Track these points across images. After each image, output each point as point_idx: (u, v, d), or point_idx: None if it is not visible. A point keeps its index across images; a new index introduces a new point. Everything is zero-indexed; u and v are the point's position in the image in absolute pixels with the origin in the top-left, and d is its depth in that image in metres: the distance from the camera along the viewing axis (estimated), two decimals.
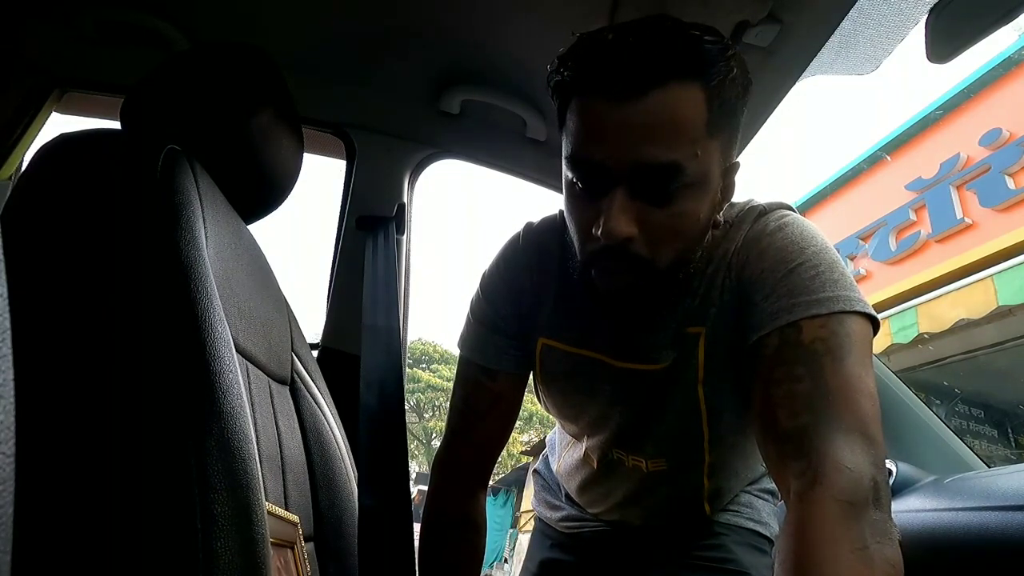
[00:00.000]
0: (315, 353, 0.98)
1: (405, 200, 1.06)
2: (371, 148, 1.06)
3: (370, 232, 0.99)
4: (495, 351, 0.71)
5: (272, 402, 0.69)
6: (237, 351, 0.60)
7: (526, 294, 0.70)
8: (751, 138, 0.85)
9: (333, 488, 0.74)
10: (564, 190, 0.57)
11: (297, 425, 0.73)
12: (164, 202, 0.48)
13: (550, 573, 0.93)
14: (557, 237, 0.70)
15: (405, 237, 1.05)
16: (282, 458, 0.66)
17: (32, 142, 1.12)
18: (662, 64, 0.48)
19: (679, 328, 0.62)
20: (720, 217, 0.59)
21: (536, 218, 0.74)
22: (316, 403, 0.78)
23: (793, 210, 0.63)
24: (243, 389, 0.44)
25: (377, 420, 0.73)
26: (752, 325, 0.55)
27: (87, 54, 1.03)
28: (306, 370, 0.80)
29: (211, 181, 0.61)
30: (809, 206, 6.47)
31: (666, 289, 0.57)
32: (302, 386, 0.77)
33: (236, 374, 0.44)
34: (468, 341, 0.73)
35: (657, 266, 0.53)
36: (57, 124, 1.20)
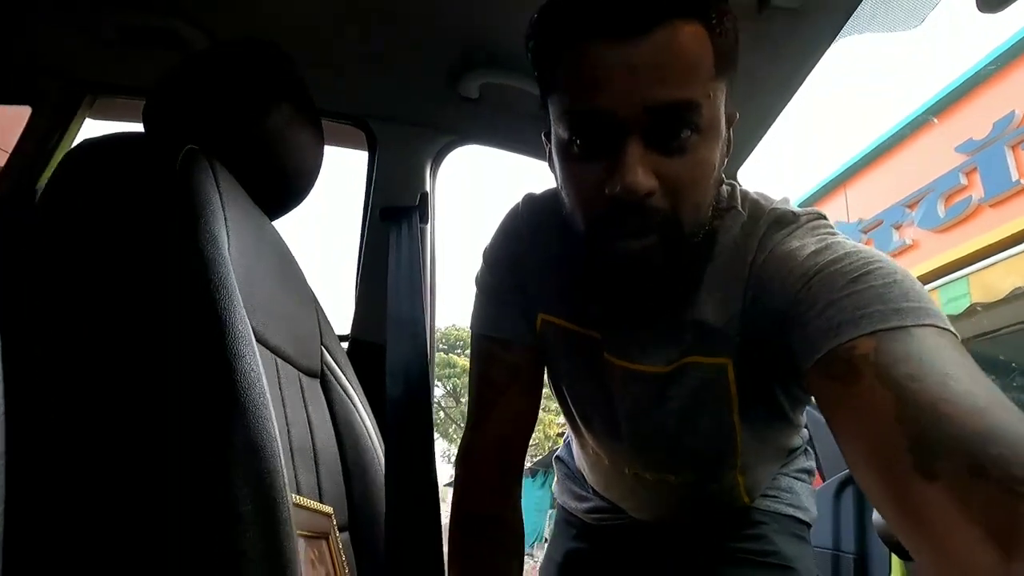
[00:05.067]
0: (345, 345, 0.99)
1: (428, 189, 1.05)
2: (392, 138, 1.06)
3: (394, 223, 0.98)
4: (505, 322, 0.68)
5: (303, 395, 0.70)
6: (265, 346, 0.61)
7: (526, 265, 0.67)
8: (782, 108, 0.81)
9: (366, 478, 0.75)
10: (556, 155, 0.52)
11: (329, 417, 0.74)
12: (184, 202, 0.49)
13: (576, 565, 0.90)
14: (557, 207, 0.63)
15: (429, 226, 1.04)
16: (315, 450, 0.67)
17: (68, 148, 1.16)
18: (666, 1, 0.45)
19: (688, 338, 0.57)
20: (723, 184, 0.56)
21: (539, 190, 0.71)
22: (347, 395, 0.79)
23: (826, 218, 0.56)
24: (266, 385, 0.44)
25: (403, 410, 0.73)
26: (806, 346, 0.44)
27: (112, 59, 1.05)
28: (336, 363, 0.80)
29: (232, 179, 0.62)
30: (849, 175, 6.20)
31: (687, 252, 0.52)
32: (332, 379, 0.78)
33: (259, 371, 0.44)
34: (478, 315, 0.70)
35: (681, 221, 0.49)
36: (93, 130, 1.24)
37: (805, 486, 0.84)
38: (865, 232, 5.80)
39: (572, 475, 0.94)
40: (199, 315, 0.43)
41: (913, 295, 0.41)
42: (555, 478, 1.00)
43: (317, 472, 0.66)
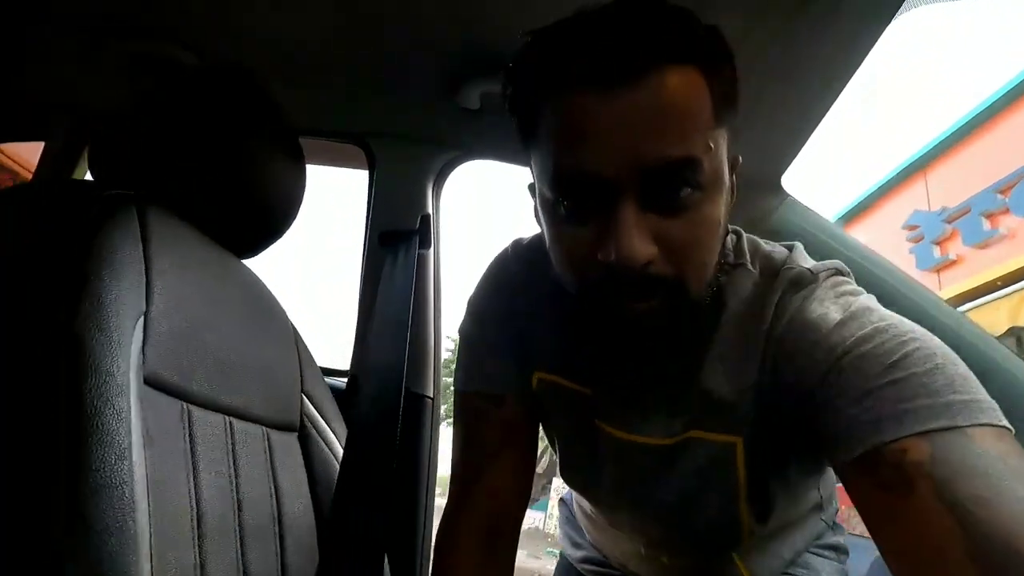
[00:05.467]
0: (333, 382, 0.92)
1: (430, 209, 0.96)
2: (391, 156, 0.98)
3: (391, 249, 0.91)
4: (498, 375, 0.60)
5: (271, 458, 0.63)
6: (211, 408, 0.54)
7: (519, 317, 0.60)
8: (828, 107, 0.67)
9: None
10: (542, 214, 0.48)
11: (306, 478, 0.67)
12: (77, 256, 0.43)
13: None
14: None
15: (433, 250, 0.96)
16: (280, 523, 0.60)
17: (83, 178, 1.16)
18: (657, 45, 0.40)
19: (693, 409, 0.51)
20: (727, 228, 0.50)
21: (527, 234, 0.64)
22: (330, 450, 0.72)
23: (846, 272, 0.51)
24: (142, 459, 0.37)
25: (363, 464, 0.65)
26: (842, 439, 0.39)
27: (114, 87, 1.03)
28: (319, 412, 0.73)
29: (176, 224, 0.55)
30: (929, 159, 5.66)
31: (694, 316, 0.47)
32: (313, 431, 0.71)
33: (127, 445, 0.38)
34: (466, 370, 0.62)
35: (687, 286, 0.44)
36: None
37: (832, 565, 0.73)
38: (949, 222, 5.26)
39: (572, 520, 0.88)
40: (57, 374, 0.37)
41: (960, 383, 0.37)
42: (559, 519, 0.96)
43: (281, 548, 0.59)
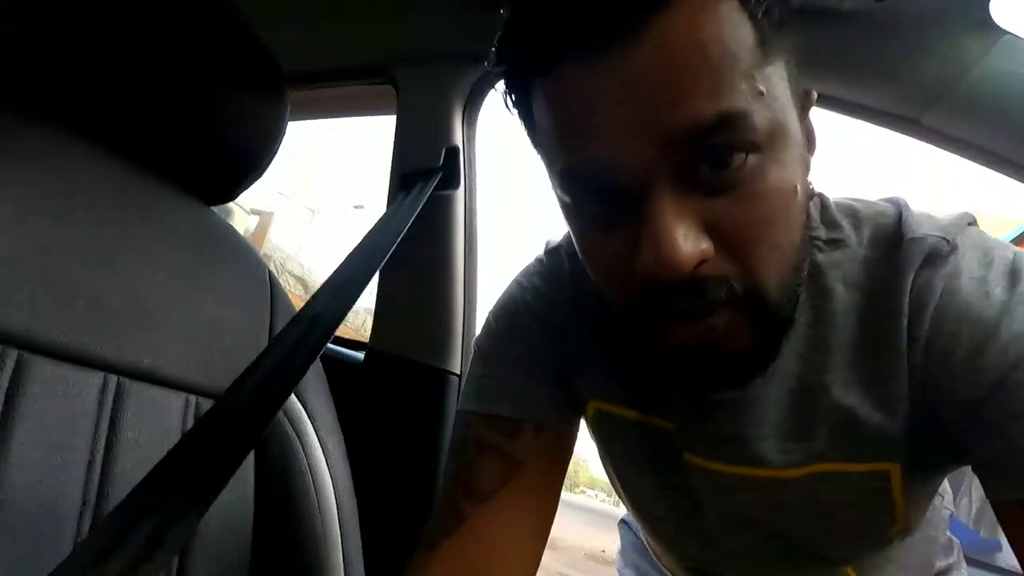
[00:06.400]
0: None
1: (459, 141, 0.77)
2: (416, 82, 0.81)
3: (413, 196, 0.73)
4: (527, 395, 0.47)
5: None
6: (77, 362, 0.41)
7: (565, 333, 0.48)
8: None
9: (302, 568, 0.50)
10: (565, 218, 0.39)
11: (251, 475, 0.52)
12: None
13: None
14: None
15: (465, 192, 0.76)
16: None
17: None
18: None
19: (820, 432, 0.41)
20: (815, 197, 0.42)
21: (562, 235, 0.53)
22: (297, 429, 0.56)
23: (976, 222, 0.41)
24: None
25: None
26: (1007, 471, 0.34)
27: None
28: (299, 391, 0.58)
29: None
30: None
31: (783, 319, 0.36)
32: (282, 415, 0.56)
33: None
34: (479, 388, 0.48)
35: (762, 284, 0.33)
36: None
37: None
38: None
39: (639, 547, 0.74)
40: None
41: None
42: (620, 546, 0.80)
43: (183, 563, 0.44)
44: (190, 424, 0.48)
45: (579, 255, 0.39)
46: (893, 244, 0.40)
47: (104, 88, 0.49)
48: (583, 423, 0.52)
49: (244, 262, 0.59)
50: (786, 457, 0.42)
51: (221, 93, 0.54)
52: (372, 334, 0.76)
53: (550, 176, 0.37)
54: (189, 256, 0.52)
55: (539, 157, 0.39)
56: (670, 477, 0.48)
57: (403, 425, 0.69)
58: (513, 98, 0.38)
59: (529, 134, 0.39)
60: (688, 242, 0.31)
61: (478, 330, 0.72)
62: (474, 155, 0.79)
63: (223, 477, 0.37)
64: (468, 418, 0.48)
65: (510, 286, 0.53)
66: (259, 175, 0.62)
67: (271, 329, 0.58)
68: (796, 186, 0.34)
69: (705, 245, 0.32)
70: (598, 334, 0.47)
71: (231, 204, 4.14)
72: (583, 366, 0.48)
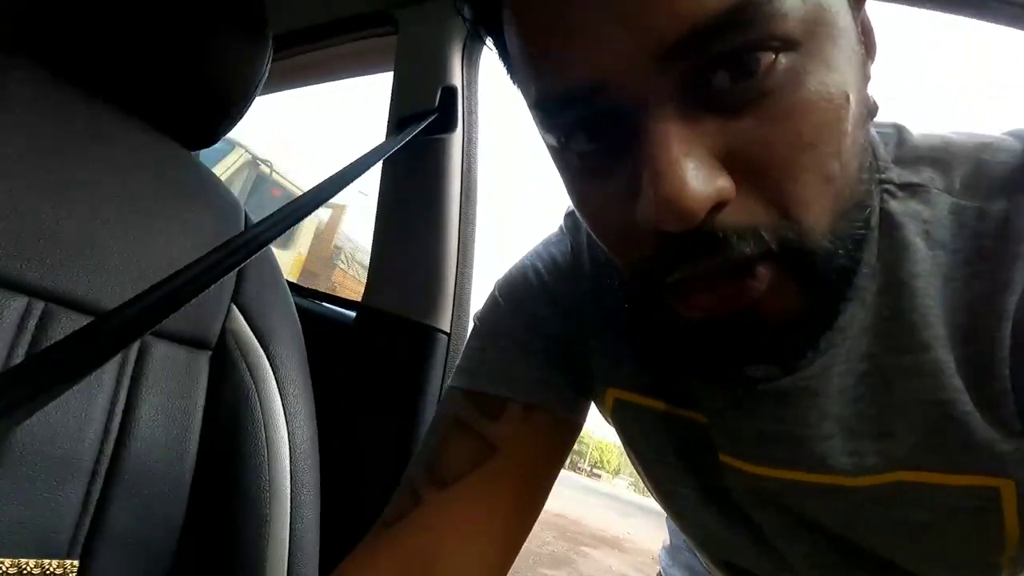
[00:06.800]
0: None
1: (458, 82, 0.71)
2: (415, 23, 0.75)
3: (409, 142, 0.68)
4: (516, 371, 0.41)
5: (137, 370, 0.45)
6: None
7: (584, 312, 0.41)
8: None
9: (238, 525, 0.46)
10: (555, 165, 0.31)
11: (198, 417, 0.48)
12: None
13: None
14: None
15: (462, 136, 0.70)
16: (115, 457, 0.42)
17: None
18: None
19: (903, 432, 0.31)
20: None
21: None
22: (256, 385, 0.52)
23: None
24: None
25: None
26: None
27: None
28: (260, 336, 0.54)
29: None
30: None
31: (832, 282, 0.27)
32: (239, 357, 0.52)
33: None
34: (470, 365, 0.43)
35: (805, 236, 0.25)
36: None
37: None
38: None
39: (689, 546, 0.64)
40: None
41: None
42: (667, 542, 0.73)
43: (102, 492, 0.41)
44: (131, 366, 0.46)
45: (575, 206, 0.32)
46: (1002, 191, 0.30)
47: (81, 27, 0.48)
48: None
49: (218, 207, 0.56)
50: (856, 461, 0.33)
51: (201, 30, 0.51)
52: (365, 291, 0.72)
53: (532, 114, 0.30)
54: (157, 196, 0.50)
55: (522, 97, 0.31)
56: (708, 479, 0.40)
57: (388, 385, 0.64)
58: (484, 24, 0.31)
59: (507, 70, 0.32)
60: (698, 179, 0.23)
61: (474, 286, 0.66)
62: (475, 101, 0.72)
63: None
64: (452, 394, 0.43)
65: (522, 257, 0.47)
66: (237, 119, 0.59)
67: (240, 273, 0.55)
68: (849, 96, 0.25)
69: (722, 183, 0.24)
70: (619, 312, 0.40)
71: None
72: (600, 348, 0.41)
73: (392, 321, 0.67)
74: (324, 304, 0.76)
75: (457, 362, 0.44)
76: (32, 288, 0.41)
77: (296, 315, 0.59)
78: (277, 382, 0.53)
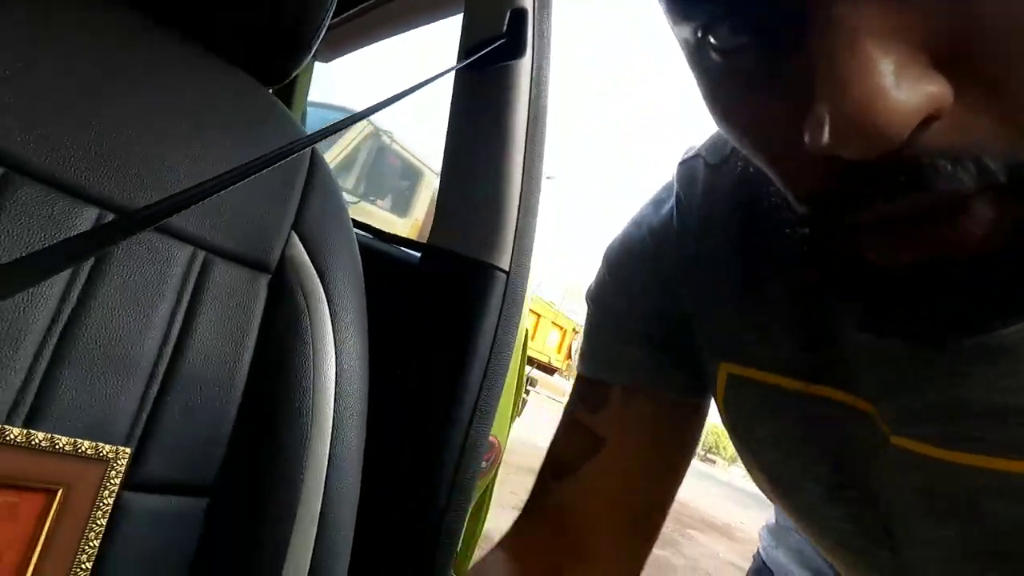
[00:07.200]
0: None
1: (529, 3, 0.66)
2: None
3: (478, 72, 0.65)
4: (613, 352, 0.40)
5: (198, 285, 0.48)
6: (71, 193, 0.42)
7: (690, 281, 0.37)
8: None
9: (280, 437, 0.47)
10: (690, 69, 0.24)
11: (253, 337, 0.50)
12: None
13: None
14: (750, 176, 0.34)
15: (531, 61, 0.65)
16: (174, 357, 0.44)
17: None
18: None
19: None
20: None
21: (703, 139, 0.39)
22: (310, 312, 0.52)
23: None
24: None
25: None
26: None
27: None
28: (319, 269, 0.55)
29: None
30: None
31: None
32: (297, 286, 0.53)
33: None
34: (584, 348, 0.43)
35: None
36: None
37: None
38: None
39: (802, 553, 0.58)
40: None
41: None
42: (771, 520, 0.66)
43: (161, 386, 0.43)
44: (193, 280, 0.48)
45: (721, 129, 0.25)
46: None
47: None
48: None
49: (285, 133, 0.57)
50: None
51: None
52: (431, 229, 0.71)
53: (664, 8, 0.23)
54: (225, 124, 0.52)
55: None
56: (852, 474, 0.32)
57: (444, 325, 0.62)
58: None
59: None
60: (900, 86, 0.16)
61: (538, 223, 0.62)
62: (548, 24, 0.66)
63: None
64: (576, 380, 0.43)
65: (628, 221, 0.43)
66: (307, 54, 0.59)
67: (302, 202, 0.56)
68: None
69: (934, 88, 0.17)
70: (736, 268, 0.34)
71: (424, 168, 4.51)
72: (712, 319, 0.36)
73: (451, 259, 0.65)
74: (389, 245, 0.76)
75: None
76: (104, 200, 0.44)
77: (357, 249, 0.59)
78: (330, 311, 0.54)
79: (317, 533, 0.45)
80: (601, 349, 0.41)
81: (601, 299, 0.42)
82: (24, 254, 0.36)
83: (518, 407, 0.89)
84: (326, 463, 0.47)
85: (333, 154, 3.71)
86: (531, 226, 0.62)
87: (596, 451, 0.39)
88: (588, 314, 0.43)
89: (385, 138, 4.32)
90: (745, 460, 0.40)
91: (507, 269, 0.62)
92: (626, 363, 0.39)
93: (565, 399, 0.43)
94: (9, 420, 0.36)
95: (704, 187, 0.37)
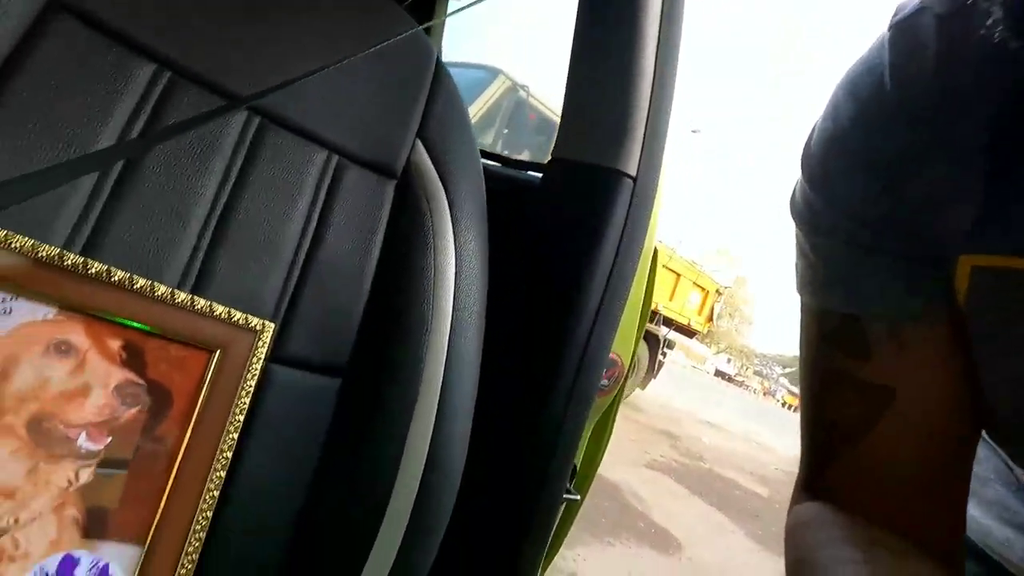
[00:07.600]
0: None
1: None
2: None
3: None
4: (856, 274, 0.34)
5: (332, 186, 0.51)
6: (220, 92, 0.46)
7: (915, 162, 0.30)
8: None
9: (404, 327, 0.49)
10: None
11: (380, 238, 0.52)
12: None
13: None
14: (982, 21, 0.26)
15: None
16: (313, 246, 0.48)
17: None
18: None
19: None
20: None
21: None
22: (433, 216, 0.53)
23: None
24: None
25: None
26: None
27: None
28: (443, 176, 0.55)
29: None
30: None
31: None
32: (421, 192, 0.54)
33: None
34: (799, 264, 0.37)
35: None
36: None
37: None
38: None
39: (1015, 484, 0.45)
40: None
41: None
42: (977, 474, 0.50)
43: (304, 265, 0.47)
44: (328, 180, 0.51)
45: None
46: None
47: None
48: None
49: (411, 48, 0.58)
50: None
51: None
52: (554, 144, 0.67)
53: None
54: (359, 38, 0.54)
55: None
56: None
57: (567, 235, 0.59)
58: None
59: None
60: None
61: (668, 127, 0.56)
62: None
63: None
64: (804, 321, 0.38)
65: (830, 102, 0.35)
66: None
67: (427, 111, 0.57)
68: None
69: None
70: (983, 144, 0.29)
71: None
72: (945, 206, 0.30)
73: (573, 169, 0.62)
74: (508, 170, 0.75)
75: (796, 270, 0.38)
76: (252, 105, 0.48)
77: (478, 155, 0.59)
78: (452, 215, 0.54)
79: (435, 423, 0.47)
80: (828, 265, 0.35)
81: (809, 201, 0.35)
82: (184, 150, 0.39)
83: (643, 329, 0.84)
84: (444, 354, 0.48)
85: (475, 109, 3.78)
86: (662, 128, 0.57)
87: (888, 404, 0.34)
88: (795, 217, 0.37)
89: (522, 92, 4.31)
90: (992, 377, 0.32)
91: (634, 175, 0.57)
92: (874, 285, 0.33)
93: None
94: (179, 287, 0.41)
95: (937, 47, 0.29)
